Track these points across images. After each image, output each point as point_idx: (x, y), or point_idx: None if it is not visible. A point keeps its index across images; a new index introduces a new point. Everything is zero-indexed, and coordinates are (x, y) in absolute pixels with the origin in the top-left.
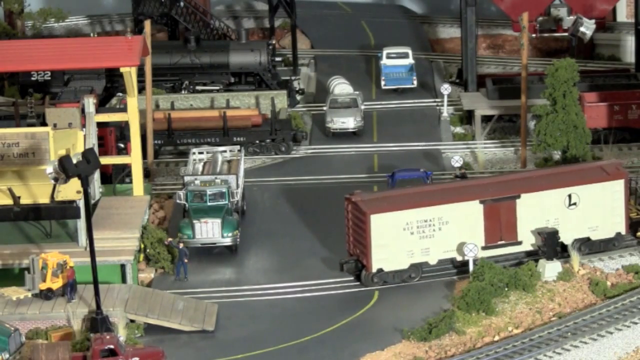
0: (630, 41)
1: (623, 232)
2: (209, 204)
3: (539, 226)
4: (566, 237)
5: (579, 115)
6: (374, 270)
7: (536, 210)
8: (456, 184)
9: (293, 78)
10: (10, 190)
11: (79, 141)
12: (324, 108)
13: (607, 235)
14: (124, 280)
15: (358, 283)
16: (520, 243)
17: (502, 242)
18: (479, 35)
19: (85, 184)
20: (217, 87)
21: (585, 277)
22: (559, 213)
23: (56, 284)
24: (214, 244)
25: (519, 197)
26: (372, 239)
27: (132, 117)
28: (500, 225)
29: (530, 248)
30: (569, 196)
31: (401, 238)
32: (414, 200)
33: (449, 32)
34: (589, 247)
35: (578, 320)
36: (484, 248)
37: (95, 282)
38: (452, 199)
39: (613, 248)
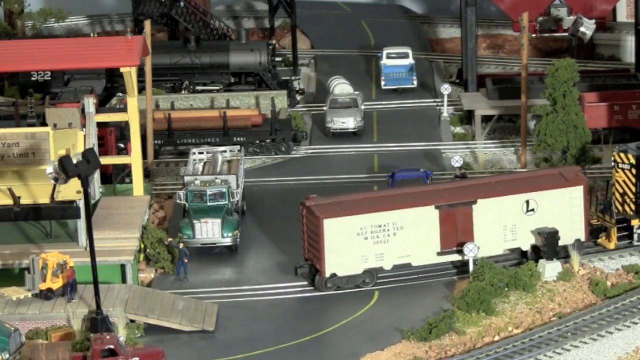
0: (630, 41)
1: (583, 238)
2: (209, 204)
3: (495, 232)
4: (524, 243)
5: (579, 115)
6: (327, 275)
7: (493, 216)
8: (412, 189)
9: (293, 78)
10: (10, 190)
11: (79, 141)
12: (324, 108)
13: (567, 241)
14: (124, 280)
15: None
16: (477, 249)
17: (459, 248)
18: (479, 35)
19: (85, 184)
20: (217, 87)
21: (585, 277)
22: (517, 219)
23: (56, 284)
24: (214, 244)
25: (475, 202)
26: (325, 243)
27: (132, 117)
28: (456, 230)
29: (487, 254)
30: (527, 202)
31: (355, 243)
32: (368, 205)
33: (449, 32)
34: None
35: (578, 320)
36: (439, 254)
37: (95, 282)
38: (406, 204)
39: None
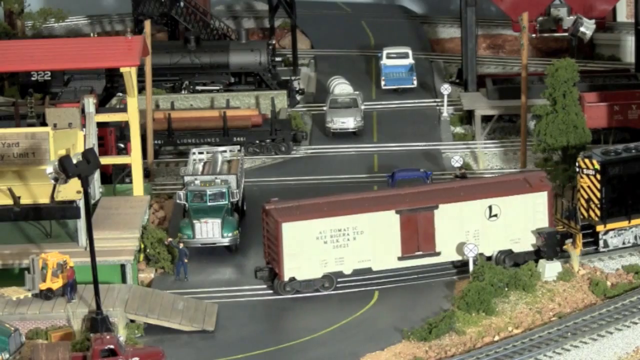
0: (630, 41)
1: None
2: (209, 204)
3: (458, 237)
4: (487, 249)
5: (579, 115)
6: (286, 278)
7: (455, 221)
8: (373, 194)
9: (293, 78)
10: (10, 190)
11: (79, 141)
12: (324, 108)
13: (530, 248)
14: (124, 280)
15: (358, 283)
16: (438, 254)
17: (420, 252)
18: (479, 35)
19: (85, 184)
20: (217, 87)
21: (585, 277)
22: (479, 224)
23: (56, 284)
24: (214, 244)
25: (437, 207)
26: (283, 247)
27: (132, 117)
28: (417, 235)
29: (449, 259)
30: (490, 208)
31: (314, 247)
32: (328, 209)
33: (449, 32)
34: (513, 259)
35: (578, 320)
36: (400, 258)
37: (95, 282)
38: (366, 208)
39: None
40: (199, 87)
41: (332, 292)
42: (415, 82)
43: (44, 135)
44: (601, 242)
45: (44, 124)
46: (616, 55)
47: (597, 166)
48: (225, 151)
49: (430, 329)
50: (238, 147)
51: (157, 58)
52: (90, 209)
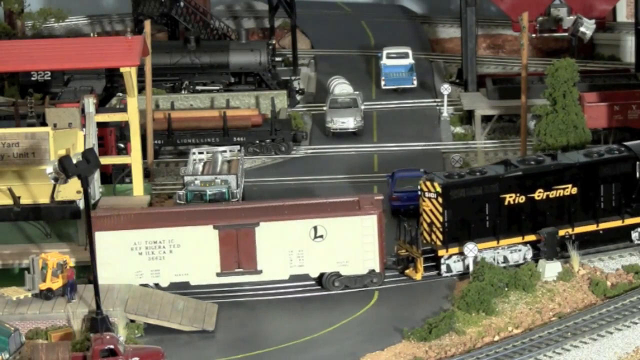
0: (630, 41)
1: (377, 269)
2: None
3: (281, 256)
4: (312, 270)
5: (579, 115)
6: None
7: (277, 240)
8: (194, 207)
9: (293, 78)
10: (10, 190)
11: (79, 141)
12: (324, 108)
13: (359, 271)
14: None
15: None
16: (260, 272)
17: (240, 270)
18: (479, 35)
19: (85, 184)
20: (217, 87)
21: (585, 277)
22: (304, 245)
23: (56, 284)
24: None
25: (257, 225)
26: (96, 256)
27: (132, 117)
28: (237, 252)
29: (271, 278)
30: (315, 228)
31: (128, 258)
32: (145, 220)
33: (449, 32)
34: (343, 282)
35: (578, 320)
36: (219, 274)
37: (95, 282)
38: (183, 222)
39: (371, 285)
40: (199, 87)
41: (332, 292)
42: (415, 82)
43: (44, 135)
44: (443, 267)
45: (44, 124)
46: (616, 55)
47: (439, 189)
48: (225, 151)
49: (430, 329)
50: (238, 147)
51: (157, 58)
52: (90, 209)
